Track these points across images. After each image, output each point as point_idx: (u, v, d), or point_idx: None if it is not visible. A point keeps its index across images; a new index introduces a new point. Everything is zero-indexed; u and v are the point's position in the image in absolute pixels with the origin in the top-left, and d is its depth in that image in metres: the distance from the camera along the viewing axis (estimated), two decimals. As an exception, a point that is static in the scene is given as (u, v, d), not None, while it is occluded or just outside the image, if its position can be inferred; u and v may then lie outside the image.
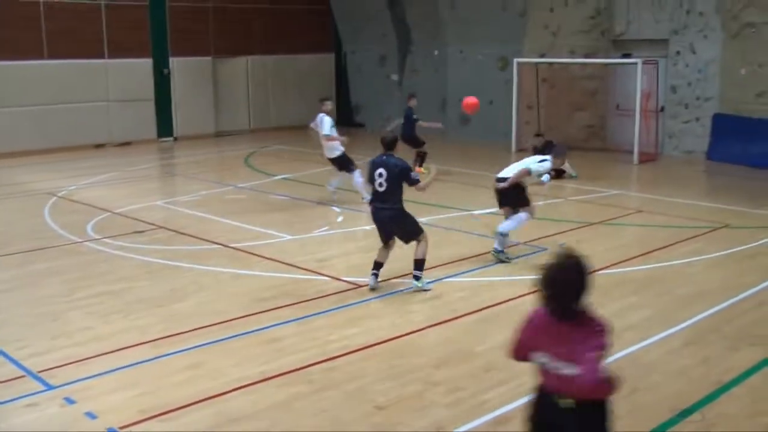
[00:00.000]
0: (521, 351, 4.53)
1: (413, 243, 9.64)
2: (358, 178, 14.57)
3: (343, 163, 14.91)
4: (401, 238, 9.73)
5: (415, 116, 18.17)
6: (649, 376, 7.10)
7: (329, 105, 15.18)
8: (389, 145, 9.60)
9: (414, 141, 17.92)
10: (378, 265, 9.73)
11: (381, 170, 9.42)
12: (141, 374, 7.32)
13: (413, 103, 18.48)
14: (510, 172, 10.93)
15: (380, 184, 9.43)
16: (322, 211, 14.27)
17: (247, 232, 12.63)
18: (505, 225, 10.91)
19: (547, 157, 11.00)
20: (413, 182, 9.40)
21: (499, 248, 10.84)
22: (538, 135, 18.83)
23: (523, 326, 4.52)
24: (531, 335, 4.45)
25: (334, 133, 14.77)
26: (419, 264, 9.61)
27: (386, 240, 9.75)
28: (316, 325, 8.49)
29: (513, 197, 10.93)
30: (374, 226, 9.74)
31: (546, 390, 4.41)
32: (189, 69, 25.06)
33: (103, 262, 11.08)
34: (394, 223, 9.60)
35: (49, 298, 9.59)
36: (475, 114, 14.93)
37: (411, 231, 9.62)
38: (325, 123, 14.69)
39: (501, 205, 11.13)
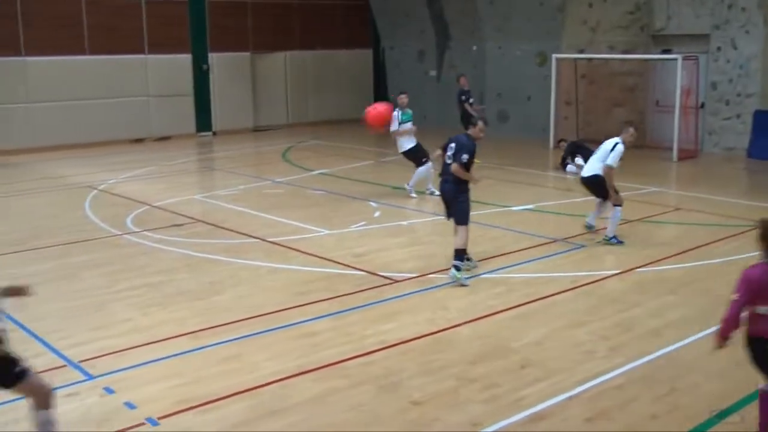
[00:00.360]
0: (749, 302, 5.32)
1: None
2: (425, 169, 14.75)
3: (416, 156, 14.95)
4: (453, 216, 9.97)
5: (463, 97, 18.34)
6: (688, 376, 7.03)
7: (403, 98, 15.13)
8: (474, 121, 10.17)
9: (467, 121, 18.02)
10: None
11: (452, 144, 9.90)
12: (179, 366, 7.40)
13: (463, 82, 18.68)
14: (591, 169, 11.39)
15: (448, 157, 9.86)
16: (359, 206, 14.30)
17: (285, 227, 12.70)
18: (608, 229, 11.50)
19: (617, 140, 11.23)
20: (458, 161, 9.66)
21: (610, 236, 11.45)
22: (561, 141, 18.65)
23: (749, 285, 5.30)
24: (759, 290, 5.27)
25: (399, 127, 14.86)
26: (459, 254, 9.70)
27: (449, 215, 10.05)
28: (352, 319, 8.51)
29: (602, 190, 11.40)
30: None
31: (763, 335, 5.40)
32: (228, 64, 25.22)
33: (142, 255, 11.20)
34: (451, 197, 9.91)
35: (90, 289, 9.72)
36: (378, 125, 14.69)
37: (460, 213, 9.83)
38: (393, 119, 14.87)
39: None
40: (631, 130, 11.33)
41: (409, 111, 15.04)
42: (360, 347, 7.72)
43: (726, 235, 11.89)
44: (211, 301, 9.19)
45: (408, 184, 14.90)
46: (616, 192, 11.34)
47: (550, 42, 22.15)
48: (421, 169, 14.76)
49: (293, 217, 13.27)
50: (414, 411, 6.44)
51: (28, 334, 8.16)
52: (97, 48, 22.61)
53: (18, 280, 10.02)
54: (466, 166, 9.69)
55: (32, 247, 11.72)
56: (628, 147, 11.27)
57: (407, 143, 14.91)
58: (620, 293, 9.29)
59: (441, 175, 10.10)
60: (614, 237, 11.40)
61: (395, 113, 14.83)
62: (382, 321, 8.46)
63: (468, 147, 9.73)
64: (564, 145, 18.08)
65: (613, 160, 11.08)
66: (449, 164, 9.79)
